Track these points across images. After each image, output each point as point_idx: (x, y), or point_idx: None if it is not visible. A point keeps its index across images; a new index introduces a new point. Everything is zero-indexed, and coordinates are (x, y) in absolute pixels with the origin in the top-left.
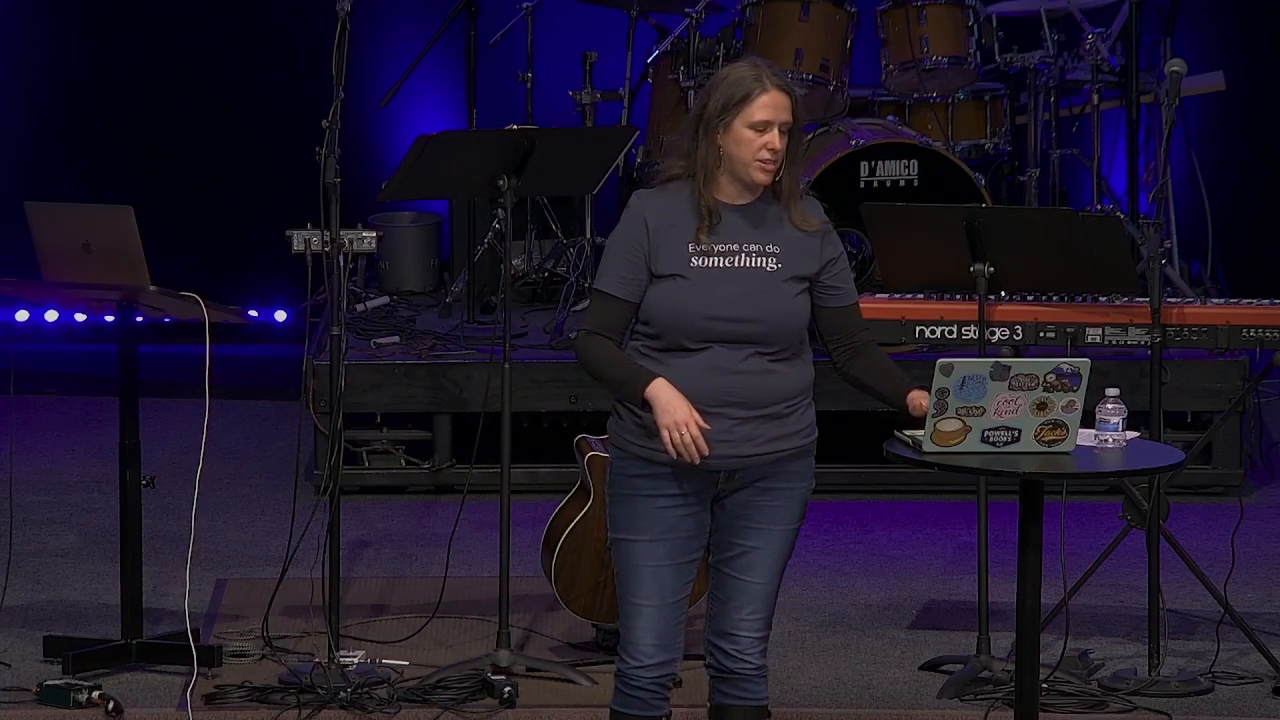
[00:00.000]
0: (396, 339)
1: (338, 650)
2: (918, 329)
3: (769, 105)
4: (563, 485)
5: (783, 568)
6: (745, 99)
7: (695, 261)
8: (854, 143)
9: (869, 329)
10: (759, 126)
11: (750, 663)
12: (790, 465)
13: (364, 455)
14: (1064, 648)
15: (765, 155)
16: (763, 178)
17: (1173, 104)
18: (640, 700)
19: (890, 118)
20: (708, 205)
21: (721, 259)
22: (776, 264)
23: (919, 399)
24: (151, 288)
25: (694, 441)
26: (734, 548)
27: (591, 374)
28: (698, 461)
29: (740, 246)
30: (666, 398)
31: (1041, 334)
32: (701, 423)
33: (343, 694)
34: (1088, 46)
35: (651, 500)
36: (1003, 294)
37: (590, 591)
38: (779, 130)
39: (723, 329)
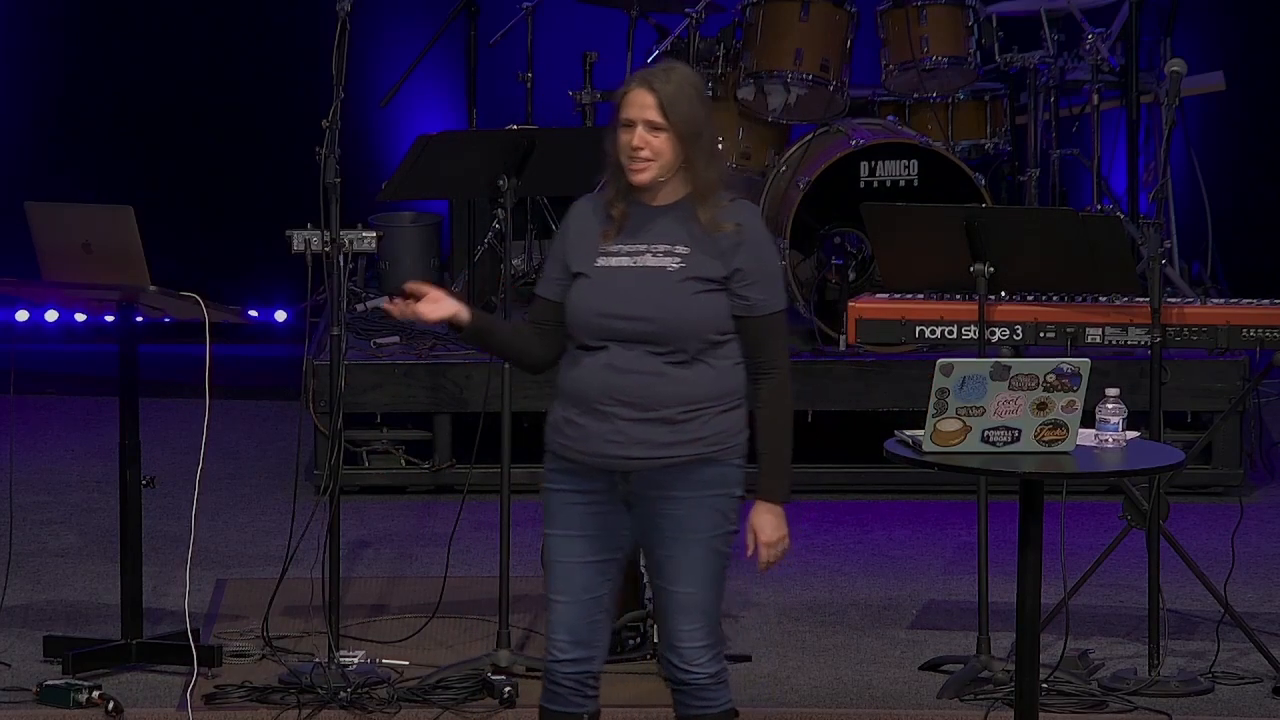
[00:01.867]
0: (396, 339)
1: (338, 650)
2: (918, 329)
3: (629, 103)
4: None
5: (714, 577)
6: (619, 99)
7: (600, 261)
8: (854, 143)
9: (779, 360)
10: (624, 124)
11: (701, 672)
12: (697, 474)
13: (364, 455)
14: (1064, 648)
15: (628, 154)
16: (637, 178)
17: (1173, 104)
18: (560, 696)
19: (890, 118)
20: (618, 209)
21: (627, 259)
22: (679, 263)
23: (754, 525)
24: (151, 288)
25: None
26: (653, 556)
27: None
28: (413, 311)
29: (648, 246)
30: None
31: (1041, 334)
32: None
33: (343, 694)
34: (1088, 46)
35: (562, 495)
36: (1003, 294)
37: None
38: (643, 127)
39: (614, 326)
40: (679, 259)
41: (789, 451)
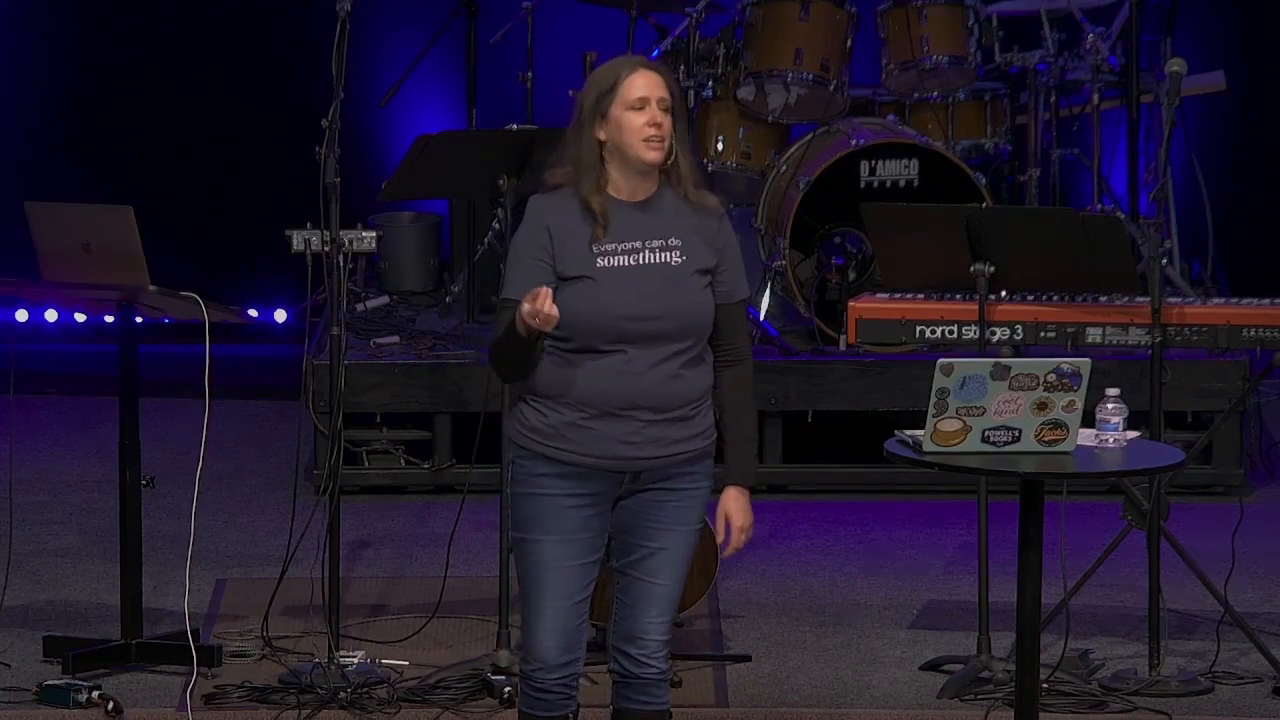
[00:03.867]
0: (396, 339)
1: (338, 650)
2: (918, 329)
3: (638, 85)
4: None
5: (686, 571)
6: (617, 83)
7: (601, 262)
8: (854, 143)
9: (747, 347)
10: (637, 105)
11: (655, 667)
12: (693, 466)
13: (364, 455)
14: (1064, 648)
15: (650, 132)
16: (654, 155)
17: (1173, 104)
18: (547, 702)
19: (890, 117)
20: (598, 205)
21: (627, 257)
22: (681, 257)
23: (728, 510)
24: (151, 288)
25: (541, 308)
26: (640, 550)
27: (496, 363)
28: (548, 326)
29: (643, 243)
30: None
31: (1041, 334)
32: (546, 300)
33: (343, 694)
34: (1088, 46)
35: (557, 500)
36: (1003, 294)
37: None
38: (658, 106)
39: (635, 329)
40: (679, 252)
41: (756, 437)
